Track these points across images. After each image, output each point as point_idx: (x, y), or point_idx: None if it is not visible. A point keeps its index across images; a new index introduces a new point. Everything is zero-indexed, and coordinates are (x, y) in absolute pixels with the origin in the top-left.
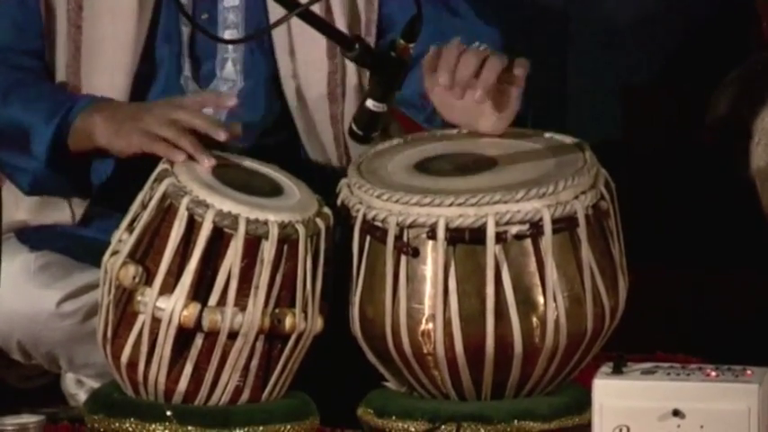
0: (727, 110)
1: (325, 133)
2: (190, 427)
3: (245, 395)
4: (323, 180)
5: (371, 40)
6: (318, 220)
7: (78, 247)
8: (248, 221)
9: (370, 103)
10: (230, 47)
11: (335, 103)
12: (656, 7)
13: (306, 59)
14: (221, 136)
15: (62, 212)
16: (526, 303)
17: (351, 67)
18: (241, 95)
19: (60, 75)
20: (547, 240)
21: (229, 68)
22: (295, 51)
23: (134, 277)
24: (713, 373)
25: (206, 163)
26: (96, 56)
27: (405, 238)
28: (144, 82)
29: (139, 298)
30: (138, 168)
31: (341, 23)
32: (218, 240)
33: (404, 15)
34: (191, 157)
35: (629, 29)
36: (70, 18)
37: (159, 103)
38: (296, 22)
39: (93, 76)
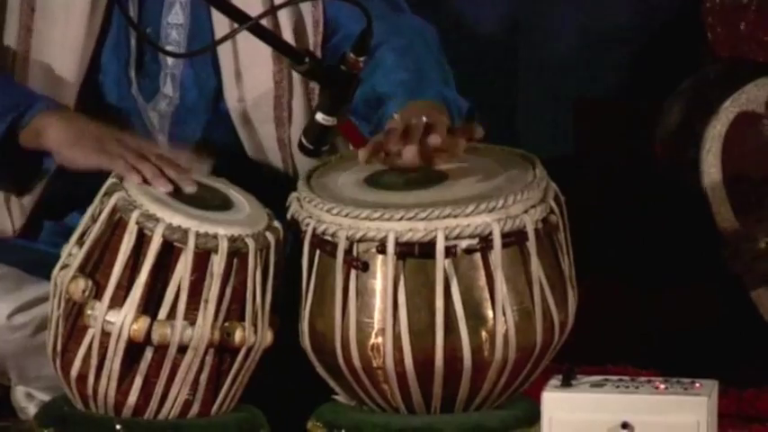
0: (678, 120)
1: (272, 155)
2: None
3: (195, 409)
4: (271, 195)
5: (318, 52)
6: (268, 234)
7: (29, 260)
8: (198, 235)
9: (319, 116)
10: (170, 62)
11: (282, 128)
12: (606, 22)
13: (252, 84)
14: (189, 189)
15: (2, 224)
16: (475, 317)
17: (298, 90)
18: (179, 111)
19: None
20: (496, 254)
21: (169, 84)
22: (242, 75)
23: (84, 291)
24: (662, 386)
25: (163, 189)
26: (44, 60)
27: (354, 253)
28: (94, 91)
29: (89, 312)
30: (87, 181)
31: (289, 38)
32: (168, 254)
33: (349, 20)
34: (146, 182)
35: (579, 43)
36: (22, 20)
37: (130, 134)
38: (243, 45)
39: (41, 81)
